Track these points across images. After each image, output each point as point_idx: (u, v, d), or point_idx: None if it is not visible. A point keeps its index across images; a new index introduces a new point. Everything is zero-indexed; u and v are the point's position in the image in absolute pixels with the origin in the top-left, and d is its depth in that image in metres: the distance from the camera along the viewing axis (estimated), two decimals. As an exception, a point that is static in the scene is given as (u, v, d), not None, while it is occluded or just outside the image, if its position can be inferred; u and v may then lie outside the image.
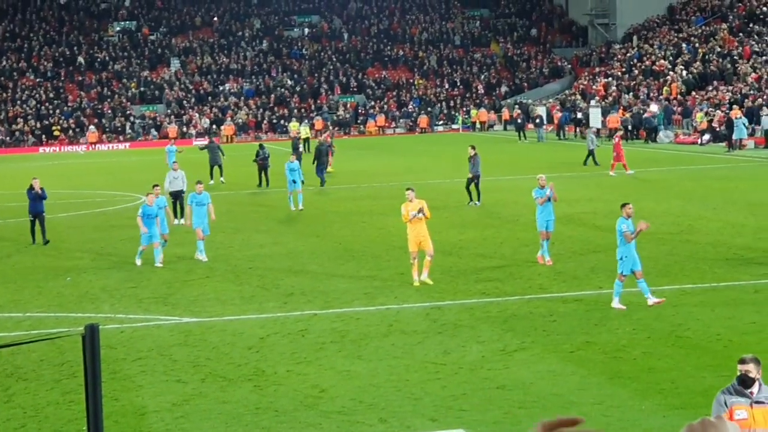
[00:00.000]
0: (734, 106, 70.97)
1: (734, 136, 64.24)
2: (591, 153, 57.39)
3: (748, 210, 37.84)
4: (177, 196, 39.03)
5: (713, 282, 25.57)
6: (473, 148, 43.16)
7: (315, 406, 17.35)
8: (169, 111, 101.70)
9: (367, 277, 27.55)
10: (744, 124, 64.93)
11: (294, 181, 41.88)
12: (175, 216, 36.54)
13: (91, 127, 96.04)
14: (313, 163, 52.28)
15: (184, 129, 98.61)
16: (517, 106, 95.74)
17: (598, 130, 78.73)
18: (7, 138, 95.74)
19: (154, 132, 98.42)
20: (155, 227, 30.65)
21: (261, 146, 53.78)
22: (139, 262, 30.72)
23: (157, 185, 32.67)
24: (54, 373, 19.58)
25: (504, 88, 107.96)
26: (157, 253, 30.58)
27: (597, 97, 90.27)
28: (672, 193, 44.11)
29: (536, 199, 28.53)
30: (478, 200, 42.26)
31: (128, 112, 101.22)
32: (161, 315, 24.22)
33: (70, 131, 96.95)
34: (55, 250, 34.54)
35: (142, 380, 19.10)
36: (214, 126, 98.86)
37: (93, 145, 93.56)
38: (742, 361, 11.63)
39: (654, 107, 78.49)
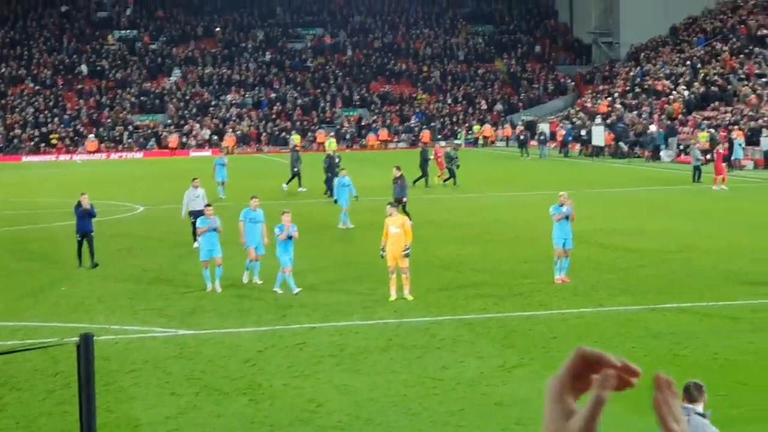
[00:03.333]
0: (734, 127, 70.93)
1: (733, 157, 64.20)
2: (697, 169, 57.21)
3: (747, 230, 37.82)
4: (197, 217, 35.22)
5: (711, 301, 25.46)
6: (398, 169, 41.34)
7: (311, 420, 17.18)
8: (169, 121, 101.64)
9: (366, 290, 27.40)
10: (741, 145, 64.96)
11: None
12: (194, 238, 33.47)
13: (90, 135, 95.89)
14: (326, 174, 52.06)
15: (184, 139, 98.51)
16: (520, 123, 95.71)
17: (602, 148, 78.78)
18: (5, 145, 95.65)
19: (153, 142, 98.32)
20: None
21: (328, 155, 54.43)
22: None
23: (255, 196, 29.92)
24: (47, 383, 19.41)
25: (507, 105, 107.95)
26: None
27: (600, 115, 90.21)
28: (673, 212, 44.04)
29: (553, 216, 28.27)
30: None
31: (128, 121, 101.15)
32: (157, 327, 24.06)
33: (68, 140, 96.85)
34: (51, 260, 34.40)
35: (136, 392, 18.94)
36: (215, 137, 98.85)
37: (91, 154, 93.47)
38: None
39: (653, 127, 78.45)
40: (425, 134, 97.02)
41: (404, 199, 39.38)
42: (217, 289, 27.47)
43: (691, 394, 11.44)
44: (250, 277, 28.79)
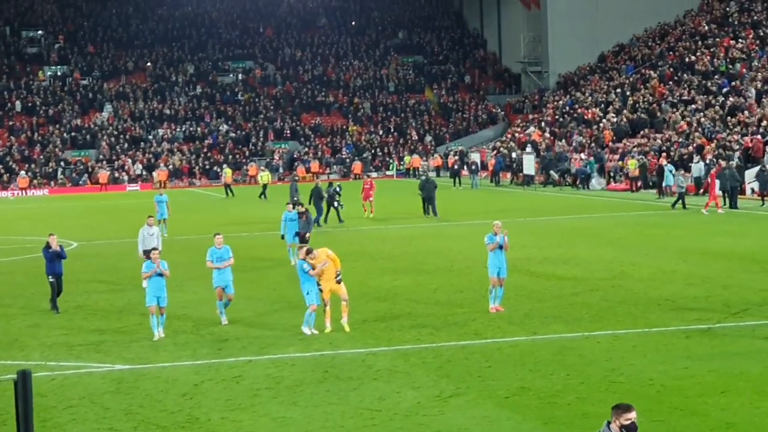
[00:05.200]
0: (662, 154, 71.78)
1: (663, 183, 64.96)
2: (681, 196, 57.65)
3: (679, 256, 38.21)
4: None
5: (645, 327, 25.71)
6: (302, 205, 40.53)
7: (249, 453, 17.16)
8: (101, 156, 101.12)
9: (301, 323, 27.42)
10: (671, 172, 65.69)
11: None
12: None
13: (22, 172, 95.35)
14: (310, 203, 52.47)
15: (116, 174, 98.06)
16: (452, 153, 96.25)
17: (532, 177, 79.45)
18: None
19: (85, 178, 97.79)
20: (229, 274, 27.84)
21: (330, 184, 54.98)
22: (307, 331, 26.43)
23: (218, 233, 28.96)
24: (-17, 421, 19.25)
25: (438, 135, 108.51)
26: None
27: (531, 144, 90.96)
28: (604, 239, 44.46)
29: (487, 245, 28.43)
30: None
31: (60, 157, 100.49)
32: (93, 362, 23.93)
33: (2, 176, 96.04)
34: (-16, 297, 34.10)
35: (74, 429, 18.83)
36: (145, 172, 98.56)
37: (23, 191, 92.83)
38: (628, 409, 11.11)
39: (583, 155, 79.26)
40: (357, 165, 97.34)
41: (308, 235, 38.94)
42: (162, 335, 26.11)
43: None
44: (225, 318, 27.88)
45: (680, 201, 57.28)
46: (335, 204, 53.97)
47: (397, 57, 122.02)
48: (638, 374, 21.13)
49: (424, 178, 61.57)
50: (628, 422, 11.07)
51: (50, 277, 30.47)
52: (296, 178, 62.42)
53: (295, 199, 54.24)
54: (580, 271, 35.44)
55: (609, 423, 11.17)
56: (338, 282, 26.39)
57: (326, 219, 53.83)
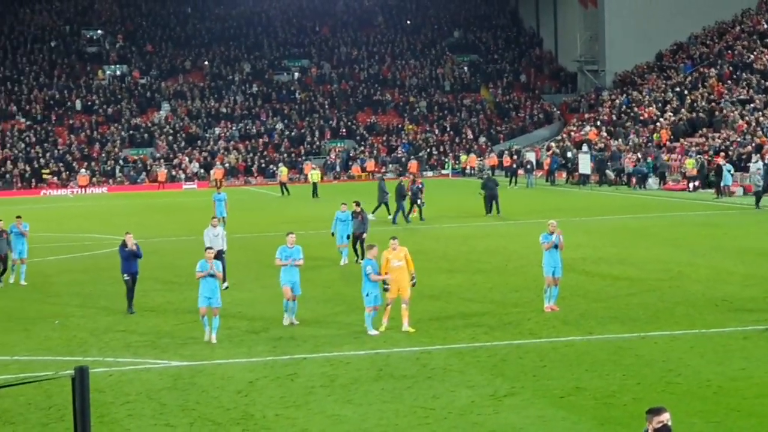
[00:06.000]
0: (720, 153, 71.20)
1: (722, 183, 64.46)
2: (759, 194, 57.61)
3: (737, 257, 37.93)
4: (218, 258, 33.61)
5: (703, 328, 25.57)
6: (358, 204, 39.79)
7: (304, 450, 17.24)
8: (159, 155, 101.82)
9: (357, 321, 27.46)
10: (729, 171, 65.20)
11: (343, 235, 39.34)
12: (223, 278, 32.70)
13: (82, 170, 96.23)
14: (397, 201, 53.70)
15: (174, 173, 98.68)
16: (506, 152, 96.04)
17: (588, 176, 79.10)
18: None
19: (144, 176, 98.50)
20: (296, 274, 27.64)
21: (413, 181, 55.65)
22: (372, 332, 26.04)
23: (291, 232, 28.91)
24: (41, 416, 19.45)
25: (493, 134, 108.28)
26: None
27: (586, 143, 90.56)
28: (661, 239, 44.19)
29: (543, 244, 28.38)
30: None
31: (118, 155, 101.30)
32: (150, 358, 24.11)
33: (62, 174, 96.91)
34: (43, 293, 34.43)
35: (131, 424, 19.00)
36: (201, 170, 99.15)
37: (82, 189, 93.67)
38: (659, 412, 10.96)
39: (639, 155, 78.77)
40: (412, 164, 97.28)
41: (364, 235, 38.90)
42: (213, 341, 25.49)
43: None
44: (289, 318, 27.69)
45: (760, 198, 56.87)
46: (418, 201, 54.38)
47: (452, 56, 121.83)
48: (695, 375, 21.01)
49: (486, 176, 61.51)
50: (660, 425, 10.92)
51: (125, 275, 30.15)
52: (383, 176, 62.50)
53: (385, 199, 54.92)
54: (636, 271, 35.26)
55: (646, 430, 10.99)
56: (413, 285, 26.45)
57: (407, 217, 54.20)
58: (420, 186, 54.96)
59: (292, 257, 27.62)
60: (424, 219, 54.15)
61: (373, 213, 54.13)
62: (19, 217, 37.34)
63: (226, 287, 32.19)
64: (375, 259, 26.13)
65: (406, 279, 26.32)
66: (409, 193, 54.05)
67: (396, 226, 51.26)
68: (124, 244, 30.29)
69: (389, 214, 54.96)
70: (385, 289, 26.26)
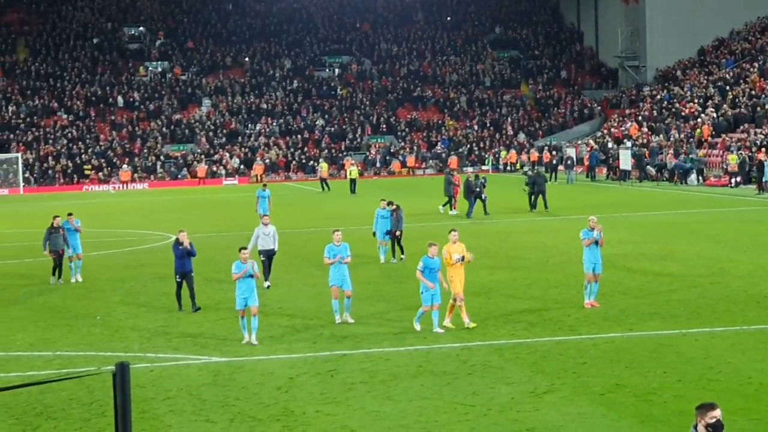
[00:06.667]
0: (762, 149, 70.76)
1: (764, 179, 64.06)
2: None
3: (779, 253, 37.71)
4: (269, 257, 33.64)
5: (744, 325, 25.43)
6: (392, 203, 39.48)
7: (344, 446, 17.27)
8: (199, 150, 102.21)
9: (396, 317, 27.49)
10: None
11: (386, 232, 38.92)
12: (265, 278, 32.82)
13: (124, 166, 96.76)
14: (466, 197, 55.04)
15: (214, 168, 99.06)
16: (546, 148, 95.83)
17: (628, 172, 78.78)
18: (39, 176, 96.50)
19: (185, 171, 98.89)
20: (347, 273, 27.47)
21: (476, 176, 56.87)
22: (418, 326, 25.99)
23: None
24: (83, 411, 19.59)
25: (533, 130, 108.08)
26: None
27: (628, 139, 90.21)
28: (702, 235, 43.97)
29: (583, 240, 28.32)
30: (402, 255, 38.84)
31: (159, 151, 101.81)
32: (191, 354, 24.24)
33: (103, 170, 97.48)
34: (85, 289, 34.67)
35: (171, 420, 19.10)
36: (242, 166, 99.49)
37: (124, 185, 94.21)
38: (712, 407, 10.74)
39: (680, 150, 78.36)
40: (453, 160, 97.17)
41: (398, 233, 38.79)
42: (254, 342, 25.00)
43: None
44: (341, 316, 27.35)
45: None
46: (483, 196, 55.04)
47: (492, 52, 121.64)
48: (736, 372, 20.90)
49: (533, 172, 61.54)
50: (714, 420, 10.71)
51: (177, 276, 29.76)
52: (450, 171, 62.69)
53: (451, 193, 55.82)
54: (677, 267, 35.10)
55: (695, 426, 10.87)
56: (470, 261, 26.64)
57: (469, 213, 54.66)
58: (483, 181, 55.84)
59: (339, 255, 27.45)
60: (488, 213, 54.79)
61: (444, 206, 56.44)
62: (71, 214, 37.59)
63: (268, 286, 32.41)
64: (435, 258, 25.80)
65: (463, 274, 26.32)
66: (477, 190, 54.91)
67: (471, 220, 52.70)
68: (178, 242, 29.90)
69: (451, 209, 56.03)
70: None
